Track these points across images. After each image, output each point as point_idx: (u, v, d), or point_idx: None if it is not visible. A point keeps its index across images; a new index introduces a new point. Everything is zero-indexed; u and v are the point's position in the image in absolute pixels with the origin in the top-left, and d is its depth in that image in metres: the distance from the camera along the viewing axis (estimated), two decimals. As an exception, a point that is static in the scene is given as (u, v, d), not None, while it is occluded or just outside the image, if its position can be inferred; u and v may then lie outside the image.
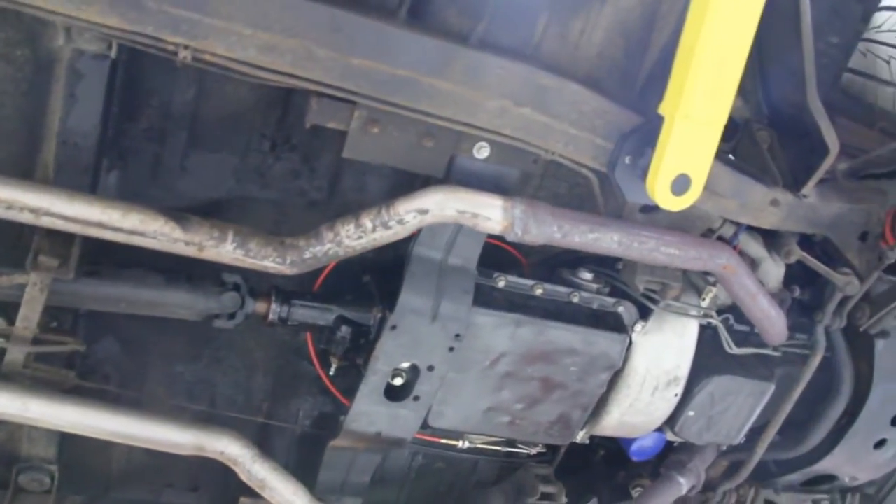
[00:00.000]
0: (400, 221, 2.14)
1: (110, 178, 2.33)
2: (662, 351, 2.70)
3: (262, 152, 2.39)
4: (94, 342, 2.56)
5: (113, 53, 2.04)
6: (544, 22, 2.26)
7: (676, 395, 2.77)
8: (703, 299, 2.75)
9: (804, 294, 2.96)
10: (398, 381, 2.47)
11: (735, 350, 2.82)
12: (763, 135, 2.67)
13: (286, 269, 2.18)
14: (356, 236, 2.15)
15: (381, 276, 2.51)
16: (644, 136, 2.23)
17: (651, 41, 2.37)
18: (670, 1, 2.31)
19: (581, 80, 2.28)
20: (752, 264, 2.84)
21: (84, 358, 2.54)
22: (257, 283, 2.42)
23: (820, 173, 2.53)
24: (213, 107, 2.30)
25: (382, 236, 2.16)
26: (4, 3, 1.83)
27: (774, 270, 2.87)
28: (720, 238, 2.71)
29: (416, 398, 2.48)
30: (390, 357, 2.38)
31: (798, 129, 2.56)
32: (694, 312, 2.71)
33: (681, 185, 2.18)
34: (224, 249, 2.13)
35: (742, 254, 2.82)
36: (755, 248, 2.84)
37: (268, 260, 2.16)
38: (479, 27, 2.11)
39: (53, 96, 2.13)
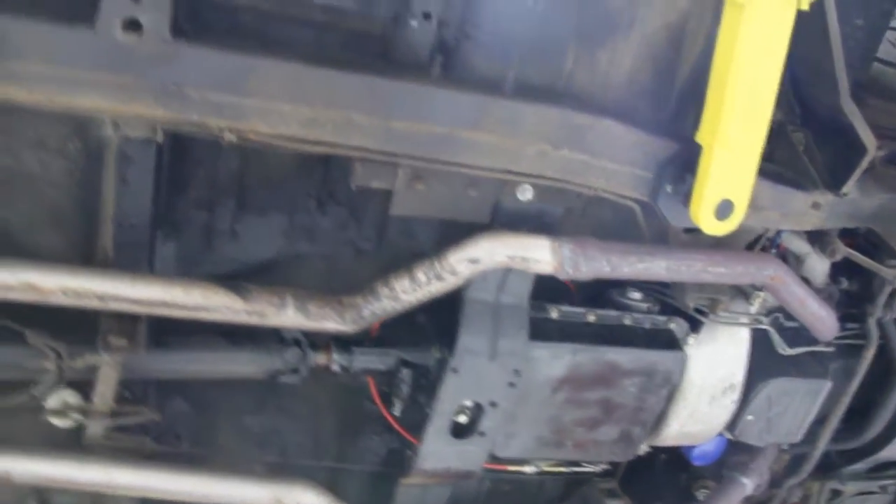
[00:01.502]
0: (453, 272, 2.20)
1: (166, 249, 2.39)
2: (716, 360, 2.74)
3: (309, 210, 2.45)
4: (164, 405, 2.64)
5: (159, 138, 2.10)
6: (572, 56, 2.30)
7: (734, 401, 2.81)
8: (752, 305, 2.78)
9: (852, 285, 2.99)
10: (463, 419, 2.52)
11: (788, 351, 2.84)
12: (798, 136, 2.68)
13: (346, 328, 2.24)
14: (412, 290, 2.21)
15: (434, 314, 2.55)
16: (683, 163, 2.26)
17: (679, 62, 2.40)
18: (695, 21, 2.34)
19: (613, 107, 2.31)
20: (797, 261, 2.87)
21: (156, 422, 2.61)
22: (316, 334, 2.47)
23: (859, 173, 2.54)
24: (258, 173, 2.36)
25: (437, 288, 2.22)
26: (58, 105, 1.89)
27: (819, 266, 2.89)
28: (763, 247, 2.74)
29: (482, 434, 2.53)
30: (454, 398, 2.44)
31: (833, 128, 2.58)
32: (744, 320, 2.74)
33: (724, 210, 2.22)
34: (285, 315, 2.19)
35: (786, 251, 2.85)
36: (798, 244, 2.86)
37: (328, 321, 2.22)
38: (511, 73, 2.15)
39: (106, 182, 2.20)
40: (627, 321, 2.63)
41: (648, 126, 2.35)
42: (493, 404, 2.49)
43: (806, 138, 2.69)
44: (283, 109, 1.96)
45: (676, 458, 3.22)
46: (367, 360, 2.53)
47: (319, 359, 2.50)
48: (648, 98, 2.41)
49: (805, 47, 2.49)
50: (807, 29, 2.37)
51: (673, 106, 2.43)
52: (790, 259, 2.90)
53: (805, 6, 2.08)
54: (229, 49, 1.92)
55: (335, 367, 2.51)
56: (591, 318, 2.60)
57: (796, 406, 2.87)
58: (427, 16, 2.12)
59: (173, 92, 1.90)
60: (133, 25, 1.84)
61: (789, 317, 2.87)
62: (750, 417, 2.83)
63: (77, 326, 2.28)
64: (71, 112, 1.92)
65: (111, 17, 1.83)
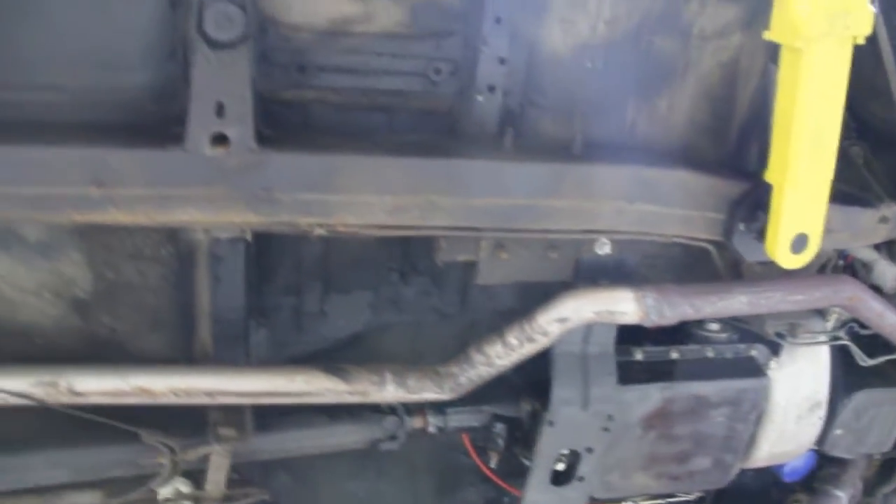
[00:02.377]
0: (543, 333, 2.26)
1: (259, 336, 2.47)
2: (799, 380, 2.78)
3: (393, 283, 2.52)
4: (268, 480, 2.72)
5: (248, 236, 2.19)
6: (633, 107, 2.37)
7: (821, 417, 2.85)
8: (828, 321, 2.81)
9: (923, 287, 3.01)
10: (561, 466, 2.59)
11: (868, 362, 2.87)
12: (857, 150, 2.73)
13: (445, 397, 2.32)
14: (505, 354, 2.28)
15: (521, 367, 2.61)
16: (753, 201, 2.31)
17: (735, 98, 2.46)
18: (747, 57, 2.40)
19: (676, 149, 2.37)
20: (866, 269, 2.91)
21: (265, 500, 2.70)
22: (412, 400, 2.55)
23: None
24: (342, 254, 2.43)
25: (529, 350, 2.28)
26: (157, 223, 1.98)
27: (889, 271, 2.92)
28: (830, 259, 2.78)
29: (581, 479, 2.60)
30: (552, 449, 2.51)
31: (891, 140, 2.62)
32: (823, 338, 2.78)
33: (799, 244, 2.27)
34: (386, 391, 2.27)
35: (854, 261, 2.88)
36: (866, 252, 2.90)
37: (427, 392, 2.30)
38: (578, 134, 2.21)
39: (199, 282, 2.28)
40: (710, 353, 2.68)
41: (712, 163, 2.41)
42: (590, 450, 2.55)
43: (864, 151, 2.73)
44: (369, 200, 2.03)
45: (765, 473, 3.26)
46: (462, 419, 2.60)
47: (416, 423, 2.58)
48: (709, 136, 2.47)
49: (858, 67, 2.54)
50: (859, 50, 2.41)
51: (734, 141, 2.49)
52: (858, 268, 2.94)
53: (861, 40, 2.13)
54: (314, 150, 1.99)
55: (431, 429, 2.58)
56: (675, 354, 2.65)
57: (884, 415, 2.91)
58: (492, 89, 2.20)
59: (263, 197, 1.98)
60: (220, 140, 1.93)
61: (863, 324, 2.90)
62: (839, 432, 2.87)
63: (186, 414, 2.37)
64: (169, 224, 2.01)
65: (199, 134, 1.91)
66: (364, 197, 2.02)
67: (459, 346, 2.56)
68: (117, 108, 2.03)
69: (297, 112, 2.18)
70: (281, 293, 2.46)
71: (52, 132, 1.95)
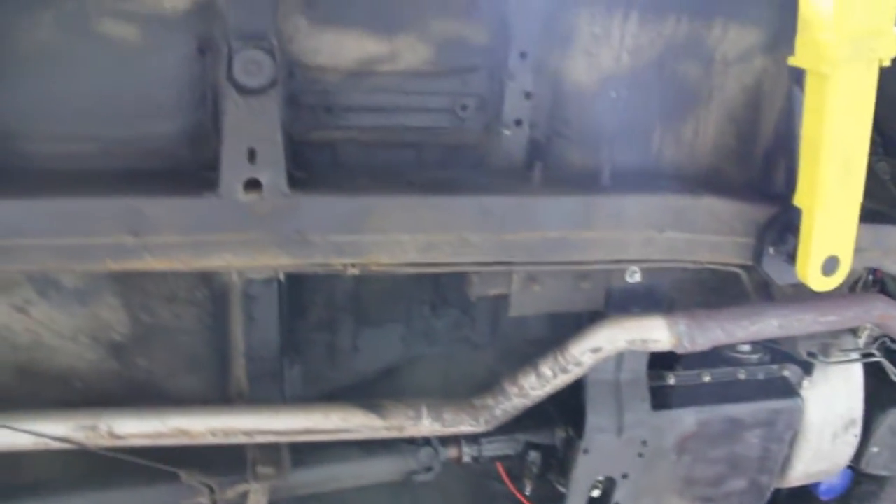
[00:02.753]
0: (577, 364, 2.27)
1: (293, 373, 2.50)
2: (833, 399, 2.78)
3: (424, 316, 2.54)
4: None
5: (281, 277, 2.21)
6: (659, 134, 2.38)
7: (856, 435, 2.84)
8: (860, 338, 2.81)
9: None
10: (596, 493, 2.59)
11: (902, 378, 2.87)
12: (883, 166, 2.73)
13: (481, 429, 2.33)
14: (539, 386, 2.29)
15: (553, 395, 2.62)
16: (782, 225, 2.31)
17: (760, 121, 2.46)
18: (770, 80, 2.40)
19: (703, 174, 2.38)
20: (895, 282, 2.90)
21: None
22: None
23: None
24: (373, 289, 2.46)
25: (563, 380, 2.29)
26: (192, 268, 2.00)
27: (919, 284, 2.91)
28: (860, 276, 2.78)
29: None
30: (587, 477, 2.52)
31: (915, 152, 2.62)
32: (855, 356, 2.78)
33: (830, 266, 2.26)
34: (422, 425, 2.29)
35: (884, 276, 2.88)
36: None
37: (463, 425, 2.31)
38: (606, 166, 2.22)
39: (233, 321, 2.31)
40: (742, 375, 2.68)
41: (738, 187, 2.41)
42: (625, 476, 2.56)
43: (891, 167, 2.73)
44: (401, 239, 2.05)
45: (800, 491, 3.24)
46: (496, 448, 2.61)
47: (451, 453, 2.59)
48: (734, 160, 2.47)
49: (883, 83, 2.54)
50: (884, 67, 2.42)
51: (759, 164, 2.49)
52: (889, 283, 2.93)
53: (887, 62, 2.13)
54: (345, 192, 2.01)
55: (466, 459, 2.59)
56: (707, 377, 2.65)
57: (920, 431, 2.90)
58: (518, 123, 2.22)
59: (297, 240, 2.00)
60: (253, 185, 1.95)
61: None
62: (875, 449, 2.87)
63: (224, 452, 2.39)
64: (204, 270, 2.04)
65: (232, 180, 1.94)
66: (396, 236, 2.04)
67: (491, 376, 2.58)
68: (149, 155, 2.07)
69: (326, 152, 2.20)
70: (314, 329, 2.48)
71: (87, 182, 1.97)
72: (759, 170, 2.49)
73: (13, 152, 2.01)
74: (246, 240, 1.97)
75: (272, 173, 1.94)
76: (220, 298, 2.28)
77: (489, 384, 2.47)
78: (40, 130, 2.02)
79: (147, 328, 2.27)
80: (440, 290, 2.51)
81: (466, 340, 2.62)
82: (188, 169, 2.08)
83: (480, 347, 2.65)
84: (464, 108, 2.20)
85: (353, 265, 2.05)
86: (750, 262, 2.37)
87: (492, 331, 2.62)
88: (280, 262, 2.02)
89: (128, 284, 2.21)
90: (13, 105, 1.97)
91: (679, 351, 2.32)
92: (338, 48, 2.10)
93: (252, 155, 1.92)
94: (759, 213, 2.33)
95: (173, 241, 1.94)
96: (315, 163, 2.17)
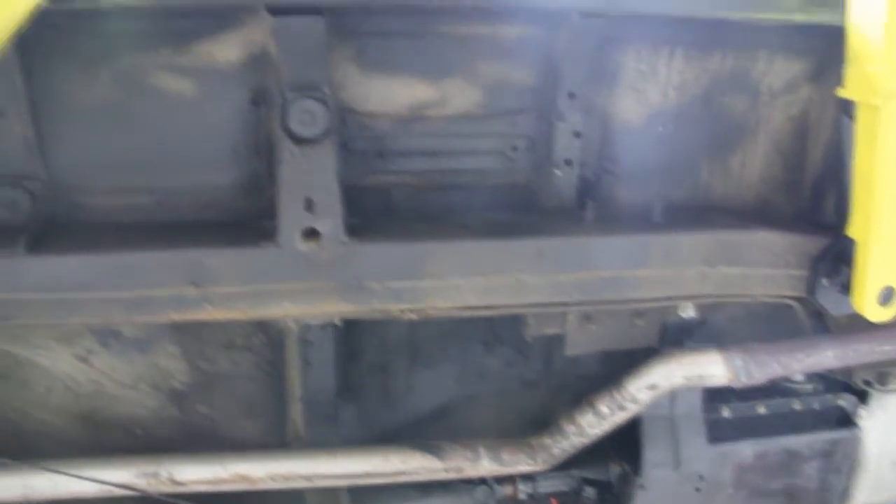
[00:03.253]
0: (634, 401, 2.26)
1: (347, 413, 2.51)
2: (890, 427, 2.74)
3: (478, 355, 2.55)
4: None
5: (337, 321, 2.22)
6: (707, 168, 2.39)
7: (916, 463, 2.81)
8: (915, 363, 2.78)
9: None
10: (653, 528, 2.58)
11: (961, 404, 2.83)
12: None
13: (539, 468, 2.33)
14: (597, 424, 2.28)
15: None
16: (835, 256, 2.29)
17: (807, 150, 2.45)
18: (817, 109, 2.40)
19: (750, 205, 2.38)
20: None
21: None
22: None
23: None
24: (427, 329, 2.47)
25: (620, 418, 2.29)
26: (252, 318, 2.02)
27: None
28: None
29: (676, 538, 2.59)
30: (646, 512, 2.50)
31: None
32: (911, 382, 2.75)
33: (887, 296, 2.24)
34: (481, 466, 2.29)
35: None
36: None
37: (521, 465, 2.32)
38: (658, 204, 2.22)
39: (290, 366, 2.33)
40: (797, 406, 2.66)
41: (788, 217, 2.41)
42: (684, 510, 2.54)
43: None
44: (459, 283, 2.06)
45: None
46: (552, 485, 2.61)
47: (506, 490, 2.59)
48: (783, 191, 2.47)
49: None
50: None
51: (808, 193, 2.49)
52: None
53: (938, 89, 2.12)
54: (402, 238, 2.03)
55: (521, 496, 2.59)
56: (762, 409, 2.63)
57: (982, 455, 2.85)
58: (569, 162, 2.23)
59: (355, 287, 2.02)
60: (311, 234, 1.97)
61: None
62: (935, 477, 2.83)
63: (282, 496, 2.41)
64: (263, 319, 2.06)
65: (290, 230, 1.96)
66: (454, 280, 2.05)
67: (544, 413, 2.59)
68: (205, 206, 2.10)
69: (378, 197, 2.22)
70: (368, 371, 2.50)
71: (145, 234, 2.01)
72: (808, 200, 2.48)
73: (73, 205, 2.06)
74: (305, 288, 1.99)
75: (330, 222, 1.96)
76: (276, 344, 2.30)
77: (543, 420, 2.47)
78: (99, 184, 2.07)
79: (206, 375, 2.30)
80: (493, 328, 2.52)
81: (520, 378, 2.63)
82: (244, 218, 2.11)
83: (534, 384, 2.65)
84: (514, 149, 2.22)
85: (411, 310, 2.06)
86: (803, 294, 2.35)
87: (545, 367, 2.63)
88: (339, 309, 2.03)
89: (186, 333, 2.24)
90: (73, 160, 2.02)
91: (735, 386, 2.31)
92: (388, 94, 2.12)
93: (309, 204, 1.94)
94: (812, 244, 2.32)
95: (233, 291, 1.96)
96: (368, 208, 2.20)
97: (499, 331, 2.53)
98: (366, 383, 2.52)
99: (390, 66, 2.10)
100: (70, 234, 2.00)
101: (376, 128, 2.15)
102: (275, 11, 1.86)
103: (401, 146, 2.17)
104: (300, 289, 1.99)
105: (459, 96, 2.16)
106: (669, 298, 2.25)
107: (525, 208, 2.28)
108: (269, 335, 2.31)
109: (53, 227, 2.01)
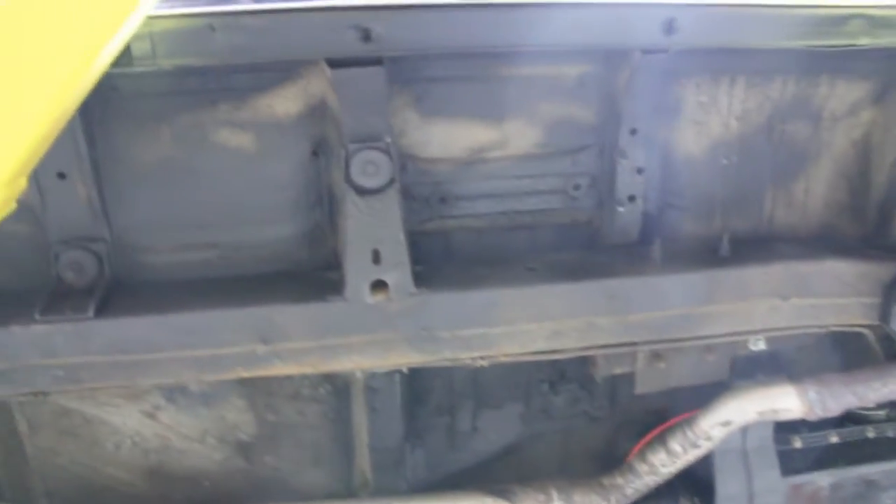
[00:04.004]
0: (707, 438, 2.23)
1: (415, 457, 2.49)
2: (966, 451, 2.69)
3: (543, 393, 2.52)
4: None
5: (404, 369, 2.20)
6: (770, 197, 2.34)
7: None
8: None
9: None
10: (727, 564, 2.53)
11: None
12: None
13: (611, 510, 2.29)
14: (670, 462, 2.25)
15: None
16: (909, 281, 2.25)
17: (871, 174, 2.41)
18: (880, 132, 2.35)
19: (814, 232, 2.34)
20: None
21: None
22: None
23: None
24: (492, 371, 2.43)
25: (694, 455, 2.26)
26: (322, 371, 2.01)
27: None
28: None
29: (751, 573, 2.54)
30: (720, 547, 2.46)
31: None
32: None
33: (963, 321, 2.20)
34: (553, 510, 2.25)
35: None
36: None
37: (593, 507, 2.27)
38: (725, 237, 2.19)
39: (356, 414, 2.32)
40: (871, 433, 2.62)
41: (854, 243, 2.36)
42: (758, 544, 2.50)
43: None
44: (529, 329, 2.04)
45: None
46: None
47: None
48: (847, 215, 2.43)
49: None
50: None
51: (874, 217, 2.44)
52: None
53: None
54: (472, 286, 2.01)
55: (593, 534, 2.55)
56: (834, 438, 2.58)
57: None
58: (632, 199, 2.19)
59: (425, 337, 2.00)
60: (380, 286, 1.95)
61: None
62: None
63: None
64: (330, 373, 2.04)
65: (358, 283, 1.94)
66: (524, 326, 2.03)
67: (609, 447, 2.55)
68: (268, 259, 2.09)
69: (439, 240, 2.20)
70: (434, 414, 2.48)
71: (211, 290, 1.99)
72: (874, 223, 2.44)
73: (138, 264, 2.06)
74: (374, 340, 1.98)
75: (398, 273, 1.94)
76: (342, 392, 2.29)
77: (608, 455, 2.44)
78: (163, 242, 2.06)
79: (272, 426, 2.29)
80: (559, 366, 2.49)
81: (585, 414, 2.59)
82: (306, 270, 2.09)
83: (598, 420, 2.61)
84: (576, 187, 2.19)
85: (482, 358, 2.04)
86: (876, 322, 2.31)
87: (610, 403, 2.59)
88: (408, 360, 2.01)
89: (253, 386, 2.23)
90: (136, 219, 2.02)
91: (810, 419, 2.27)
92: (448, 138, 2.10)
93: (377, 256, 1.93)
94: (883, 271, 2.27)
95: (303, 346, 1.95)
96: (429, 252, 2.17)
97: (564, 368, 2.50)
98: (432, 426, 2.50)
99: (450, 110, 2.08)
100: (136, 293, 1.99)
101: (437, 172, 2.12)
102: (335, 64, 1.84)
103: (462, 190, 2.15)
104: (369, 341, 1.98)
105: (520, 137, 2.13)
106: (740, 333, 2.21)
107: (588, 246, 2.25)
108: (335, 384, 2.30)
109: (119, 287, 2.00)
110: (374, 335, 1.97)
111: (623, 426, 2.61)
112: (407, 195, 2.10)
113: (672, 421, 2.42)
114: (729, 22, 1.97)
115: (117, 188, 1.99)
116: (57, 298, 1.93)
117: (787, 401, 2.24)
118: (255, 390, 2.26)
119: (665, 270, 2.11)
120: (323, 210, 2.08)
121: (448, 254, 2.21)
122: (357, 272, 1.93)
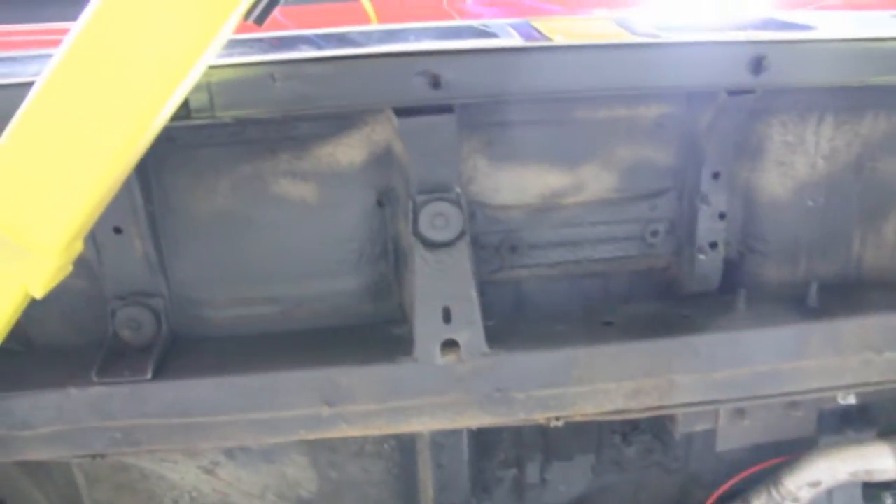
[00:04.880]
0: (794, 499, 2.11)
1: (481, 512, 2.39)
2: None
3: (615, 444, 2.40)
4: None
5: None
6: (859, 239, 2.21)
7: None
8: None
9: None
10: None
11: None
12: None
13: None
14: (753, 524, 2.12)
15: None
16: None
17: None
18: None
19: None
20: None
21: None
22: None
23: None
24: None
25: (780, 518, 2.12)
26: (388, 433, 1.91)
27: None
28: None
29: None
30: None
31: None
32: None
33: None
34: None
35: None
36: None
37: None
38: (813, 286, 2.05)
39: (422, 470, 2.22)
40: (960, 484, 2.46)
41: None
42: None
43: None
44: (608, 388, 1.93)
45: None
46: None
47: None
48: (942, 247, 2.28)
49: None
50: None
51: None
52: None
53: None
54: (547, 346, 1.90)
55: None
56: (926, 492, 2.44)
57: None
58: (713, 245, 2.06)
59: (498, 399, 1.90)
60: (451, 346, 1.85)
61: None
62: None
63: None
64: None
65: (428, 343, 1.84)
66: (602, 385, 1.92)
67: (682, 496, 2.43)
68: (331, 313, 2.00)
69: (509, 291, 2.10)
70: (502, 467, 2.38)
71: (272, 346, 1.91)
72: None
73: (195, 319, 1.98)
74: (444, 402, 1.88)
75: (469, 332, 1.84)
76: (407, 448, 2.20)
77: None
78: (222, 296, 1.98)
79: (335, 484, 2.20)
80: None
81: (658, 465, 2.47)
82: (371, 324, 2.00)
83: (672, 472, 2.49)
84: (654, 233, 2.07)
85: (557, 418, 1.93)
86: (977, 371, 2.16)
87: (685, 454, 2.46)
88: (480, 421, 1.92)
89: (315, 443, 2.14)
90: (194, 273, 1.94)
91: (908, 479, 2.13)
92: (520, 185, 2.00)
93: (447, 314, 1.83)
94: (984, 313, 2.13)
95: (369, 409, 1.86)
96: (499, 303, 2.07)
97: (637, 419, 2.37)
98: (499, 480, 2.39)
99: (522, 155, 1.97)
100: (195, 351, 1.92)
101: (508, 220, 2.02)
102: (402, 112, 1.74)
103: (534, 238, 2.04)
104: (439, 403, 1.88)
105: (595, 182, 2.02)
106: (831, 388, 2.08)
107: (666, 294, 2.13)
108: (400, 439, 2.20)
109: (178, 344, 1.93)
110: (445, 397, 1.88)
111: (697, 476, 2.48)
112: (476, 244, 1.99)
113: (749, 470, 2.31)
114: (822, 58, 1.84)
115: (175, 242, 1.91)
116: (114, 357, 1.86)
117: (881, 461, 2.12)
118: (318, 447, 2.18)
119: (751, 324, 1.98)
120: (388, 262, 1.99)
121: (518, 304, 2.11)
122: (426, 332, 1.83)
